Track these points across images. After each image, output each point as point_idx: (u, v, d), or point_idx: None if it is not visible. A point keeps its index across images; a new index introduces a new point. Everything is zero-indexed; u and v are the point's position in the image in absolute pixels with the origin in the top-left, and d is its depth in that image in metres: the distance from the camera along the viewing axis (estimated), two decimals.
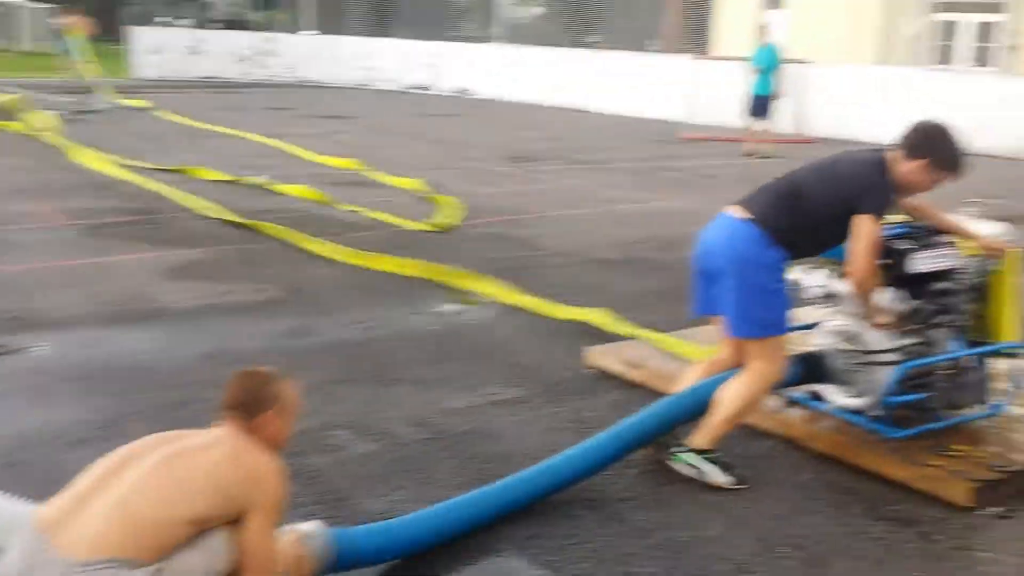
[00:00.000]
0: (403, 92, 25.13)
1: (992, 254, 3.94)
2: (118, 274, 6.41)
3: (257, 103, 20.23)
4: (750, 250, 3.59)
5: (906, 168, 3.70)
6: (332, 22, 32.23)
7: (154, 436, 2.58)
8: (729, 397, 3.62)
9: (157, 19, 39.88)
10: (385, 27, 29.92)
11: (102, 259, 6.80)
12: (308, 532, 2.76)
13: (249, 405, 2.59)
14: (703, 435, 3.63)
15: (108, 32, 50.98)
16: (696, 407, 3.66)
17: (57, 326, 5.27)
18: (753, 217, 3.64)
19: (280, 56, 26.80)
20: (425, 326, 5.53)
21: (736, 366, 3.77)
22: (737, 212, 3.70)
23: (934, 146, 3.74)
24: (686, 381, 3.86)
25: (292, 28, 32.22)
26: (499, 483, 3.29)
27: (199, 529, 2.37)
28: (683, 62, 19.10)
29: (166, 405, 4.19)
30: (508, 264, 6.99)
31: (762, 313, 3.60)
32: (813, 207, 3.66)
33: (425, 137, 15.38)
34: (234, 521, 2.43)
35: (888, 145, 3.83)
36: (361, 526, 2.99)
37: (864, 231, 3.59)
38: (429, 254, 7.19)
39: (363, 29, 31.72)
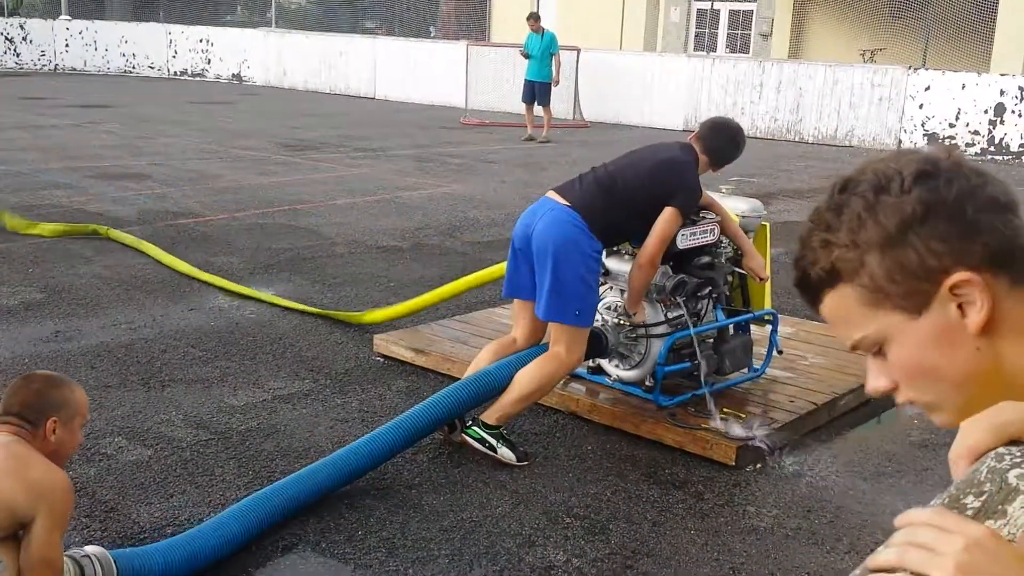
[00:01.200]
0: (171, 79, 23.96)
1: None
2: None
3: (9, 93, 18.67)
4: (573, 236, 3.68)
5: (700, 162, 3.93)
6: (89, 7, 30.17)
7: None
8: (526, 379, 3.69)
9: None
10: (149, 11, 28.29)
11: None
12: (91, 555, 2.57)
13: (30, 412, 2.42)
14: (494, 412, 3.69)
15: None
16: (490, 389, 3.71)
17: None
18: (574, 205, 3.73)
19: (32, 43, 24.87)
20: (203, 323, 5.30)
21: (528, 346, 3.88)
22: (559, 199, 3.78)
23: (727, 144, 4.04)
24: (479, 363, 3.90)
25: (45, 13, 29.91)
26: (282, 480, 3.20)
27: None
28: (461, 48, 19.25)
29: None
30: (288, 255, 6.82)
31: (576, 301, 3.69)
32: (628, 198, 3.79)
33: (196, 126, 14.72)
34: (14, 536, 2.27)
35: (687, 139, 4.04)
36: (145, 546, 2.82)
37: (669, 223, 3.77)
38: (202, 248, 6.91)
39: (125, 14, 29.92)
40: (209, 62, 24.16)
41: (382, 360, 4.77)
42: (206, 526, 2.94)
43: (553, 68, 14.65)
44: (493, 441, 3.67)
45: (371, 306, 5.64)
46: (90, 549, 2.59)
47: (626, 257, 4.07)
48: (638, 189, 3.82)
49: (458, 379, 3.93)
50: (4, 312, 5.33)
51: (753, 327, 4.47)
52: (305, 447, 3.74)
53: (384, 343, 4.84)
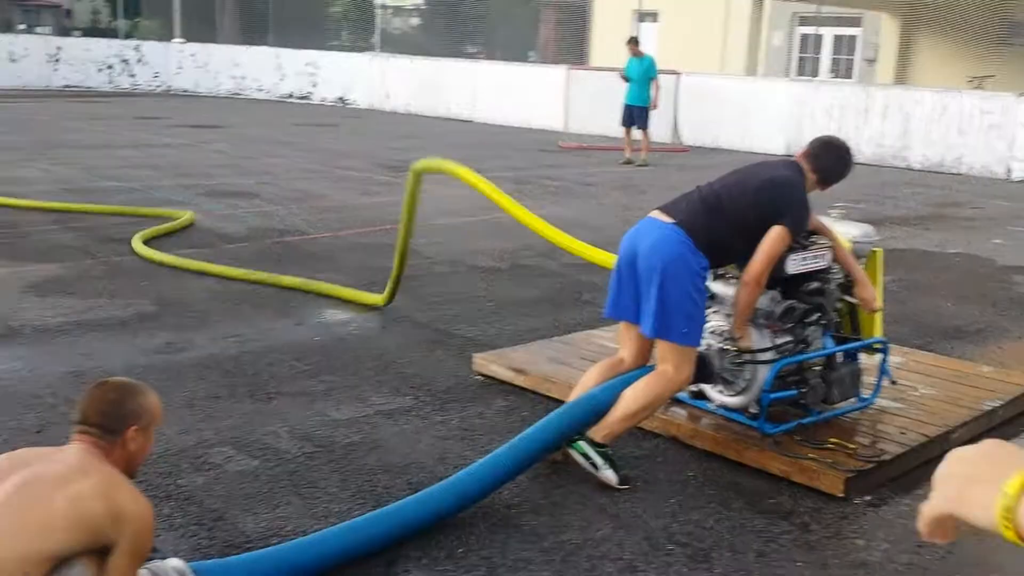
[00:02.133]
0: (279, 101, 24.68)
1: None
2: None
3: (124, 113, 19.50)
4: (681, 254, 3.64)
5: (808, 180, 3.87)
6: (202, 30, 31.34)
7: (5, 457, 2.34)
8: (632, 397, 3.65)
9: (18, 26, 38.05)
10: (258, 35, 29.24)
11: None
12: (172, 569, 2.52)
13: (109, 422, 2.37)
14: (601, 430, 3.66)
15: None
16: (600, 413, 3.68)
17: None
18: (680, 222, 3.69)
19: (148, 65, 25.94)
20: (308, 338, 5.40)
21: (635, 367, 3.84)
22: (664, 217, 3.75)
23: (836, 162, 3.97)
24: (586, 383, 3.87)
25: (160, 36, 31.19)
26: (396, 504, 3.20)
27: (56, 564, 2.16)
28: (560, 72, 19.34)
29: (25, 428, 3.96)
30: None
31: (684, 320, 3.65)
32: (734, 217, 3.74)
33: (301, 146, 15.10)
34: (95, 552, 2.22)
35: (794, 157, 3.98)
36: (232, 556, 2.86)
37: (777, 242, 3.70)
38: (307, 265, 7.06)
39: (235, 37, 30.98)
40: (315, 85, 24.79)
41: (481, 379, 4.78)
42: (299, 542, 2.96)
43: (652, 92, 14.58)
44: (598, 459, 3.63)
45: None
46: (171, 563, 2.54)
47: (732, 281, 4.00)
48: (745, 207, 3.76)
49: (557, 399, 3.90)
50: (118, 323, 5.52)
51: (863, 356, 4.33)
52: (406, 463, 3.76)
53: (483, 362, 4.85)
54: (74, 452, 2.35)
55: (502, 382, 4.71)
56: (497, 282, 6.89)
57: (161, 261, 6.84)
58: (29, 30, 39.18)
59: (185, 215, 8.30)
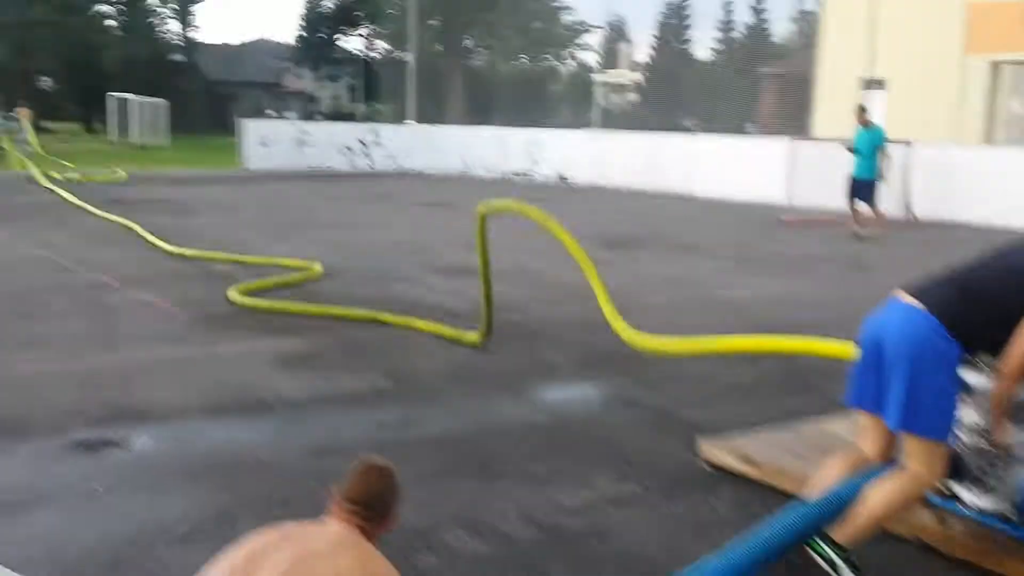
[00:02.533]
0: (502, 179, 25.53)
1: None
2: (223, 364, 6.51)
3: (362, 192, 20.79)
4: (931, 342, 3.41)
5: None
6: (432, 112, 33.14)
7: (274, 531, 2.50)
8: (878, 497, 3.42)
9: (267, 112, 41.59)
10: (484, 116, 30.57)
11: (208, 349, 6.93)
12: None
13: (376, 505, 2.54)
14: (843, 531, 3.44)
15: (221, 126, 53.50)
16: (841, 512, 3.47)
17: (162, 418, 5.31)
18: (930, 307, 3.48)
19: (383, 146, 27.60)
20: (531, 416, 5.46)
21: (879, 463, 3.60)
22: (911, 300, 3.54)
23: None
24: (824, 478, 3.67)
25: (394, 119, 33.21)
26: None
27: None
28: (782, 144, 18.94)
29: (273, 499, 4.17)
30: (610, 351, 6.90)
31: (934, 413, 3.41)
32: (989, 303, 3.48)
33: (524, 222, 15.45)
34: None
35: None
36: None
37: None
38: (527, 340, 7.17)
39: (462, 118, 32.50)
40: (536, 163, 25.50)
41: (708, 466, 4.64)
42: None
43: (881, 164, 13.98)
44: (839, 562, 3.41)
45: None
46: None
47: (987, 371, 3.69)
48: (1002, 292, 3.47)
49: (790, 493, 3.71)
50: (354, 397, 5.79)
51: None
52: (636, 556, 3.68)
53: (710, 450, 4.71)
54: (337, 529, 2.50)
55: (730, 471, 4.55)
56: (721, 361, 6.72)
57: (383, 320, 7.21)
58: (279, 116, 42.87)
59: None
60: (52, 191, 18.23)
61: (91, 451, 4.76)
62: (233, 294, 8.38)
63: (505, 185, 23.82)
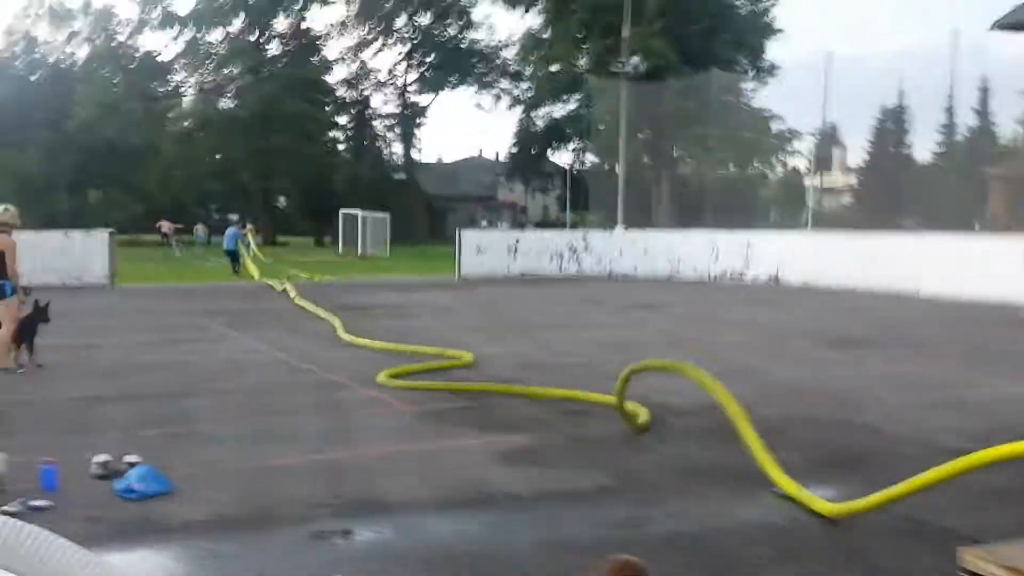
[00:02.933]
0: (712, 281, 25.21)
1: None
2: (450, 458, 6.61)
3: (572, 295, 21.07)
4: None
5: None
6: (640, 219, 33.42)
7: None
8: None
9: (482, 223, 43.23)
10: (693, 220, 30.52)
11: (434, 443, 7.08)
12: None
13: None
14: None
15: (438, 236, 56.08)
16: None
17: (396, 510, 5.42)
18: None
19: (592, 251, 27.99)
20: (766, 516, 5.19)
21: None
22: None
23: None
24: None
25: (602, 226, 33.73)
26: None
27: None
28: (1018, 242, 17.72)
29: None
30: (848, 453, 6.51)
31: None
32: None
33: (737, 324, 15.16)
34: None
35: None
36: None
37: None
38: (761, 437, 6.88)
39: (670, 222, 32.54)
40: (748, 264, 25.04)
41: None
42: None
43: None
44: None
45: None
46: None
47: None
48: None
49: None
50: (578, 493, 5.72)
51: None
52: None
53: (975, 560, 4.28)
54: None
55: None
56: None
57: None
58: (491, 225, 44.50)
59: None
60: (287, 297, 19.56)
61: (331, 541, 4.92)
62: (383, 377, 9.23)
63: (714, 287, 23.48)
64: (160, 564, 4.63)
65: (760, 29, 46.84)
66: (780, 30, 47.44)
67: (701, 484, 5.86)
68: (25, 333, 10.32)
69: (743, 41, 45.30)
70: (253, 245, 35.86)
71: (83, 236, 23.65)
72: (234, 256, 30.40)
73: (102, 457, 6.02)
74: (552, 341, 12.97)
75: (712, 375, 6.96)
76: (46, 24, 71.48)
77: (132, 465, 5.83)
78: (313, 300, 17.98)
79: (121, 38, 65.59)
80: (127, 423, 7.59)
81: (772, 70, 47.40)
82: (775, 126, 47.02)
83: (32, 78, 70.88)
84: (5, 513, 4.90)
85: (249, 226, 38.90)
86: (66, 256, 22.96)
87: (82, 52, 70.84)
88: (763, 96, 48.03)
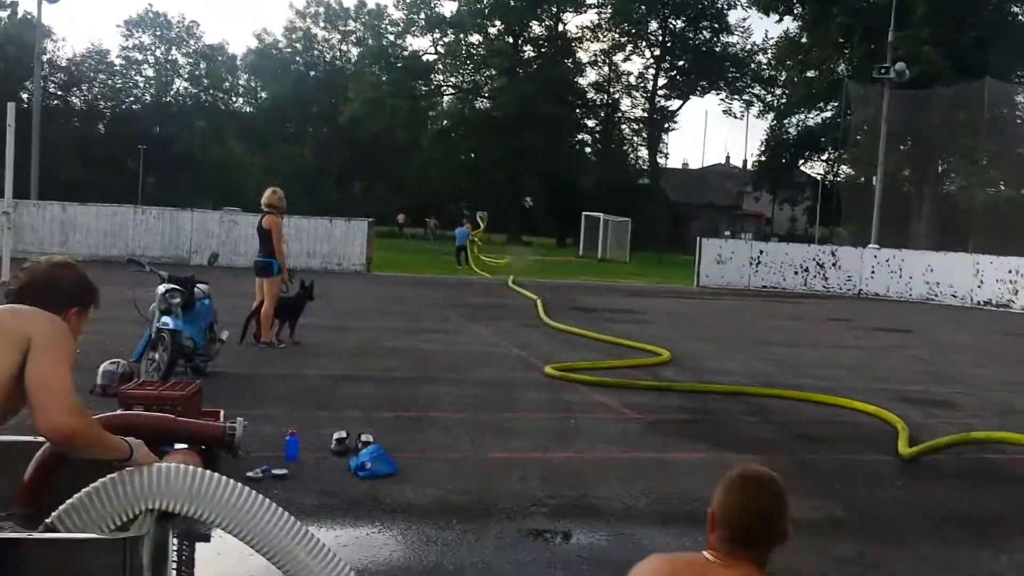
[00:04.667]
0: (974, 308, 23.34)
1: None
2: (671, 471, 6.46)
3: (817, 313, 20.15)
4: None
5: None
6: (897, 237, 31.47)
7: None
8: None
9: (724, 232, 42.40)
10: (955, 241, 28.39)
11: (658, 454, 6.94)
12: None
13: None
14: None
15: (678, 244, 55.60)
16: None
17: (612, 517, 5.35)
18: None
19: (840, 268, 26.67)
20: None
21: None
22: None
23: None
24: None
25: (853, 242, 32.08)
26: None
27: None
28: None
29: None
30: None
31: None
32: None
33: (1004, 357, 13.91)
34: None
35: None
36: None
37: None
38: (1007, 486, 6.26)
39: (929, 242, 30.45)
40: (1016, 292, 22.99)
41: None
42: None
43: None
44: None
45: None
46: None
47: None
48: None
49: None
50: (807, 524, 5.41)
51: None
52: None
53: None
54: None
55: None
56: None
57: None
58: (734, 236, 43.49)
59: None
60: (519, 293, 19.96)
61: (549, 541, 4.93)
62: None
63: (977, 315, 21.69)
64: (384, 543, 4.81)
65: None
66: None
67: (946, 530, 5.39)
68: (290, 311, 11.13)
69: (1021, 51, 41.55)
70: (475, 246, 38.25)
71: (344, 224, 25.25)
72: (461, 252, 32.02)
73: (341, 434, 6.36)
74: (789, 359, 12.43)
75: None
76: (322, 23, 77.11)
77: (366, 444, 6.11)
78: (553, 301, 18.22)
79: (391, 38, 69.56)
80: (367, 404, 8.00)
81: None
82: None
83: (311, 74, 76.68)
84: (248, 479, 5.28)
85: (466, 223, 41.13)
86: (328, 242, 24.64)
87: (355, 50, 75.85)
88: None
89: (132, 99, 76.65)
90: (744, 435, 7.71)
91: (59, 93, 69.48)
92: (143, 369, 8.19)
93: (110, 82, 75.12)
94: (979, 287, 23.93)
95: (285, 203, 11.33)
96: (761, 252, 27.70)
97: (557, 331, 14.09)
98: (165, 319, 8.28)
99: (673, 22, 66.47)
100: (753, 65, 65.94)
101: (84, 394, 6.40)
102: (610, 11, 66.23)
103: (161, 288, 8.53)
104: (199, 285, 9.05)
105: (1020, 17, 43.31)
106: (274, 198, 11.13)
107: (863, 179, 41.97)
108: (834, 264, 26.84)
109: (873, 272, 26.21)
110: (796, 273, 26.95)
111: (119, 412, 4.54)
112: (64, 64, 70.98)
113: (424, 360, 10.67)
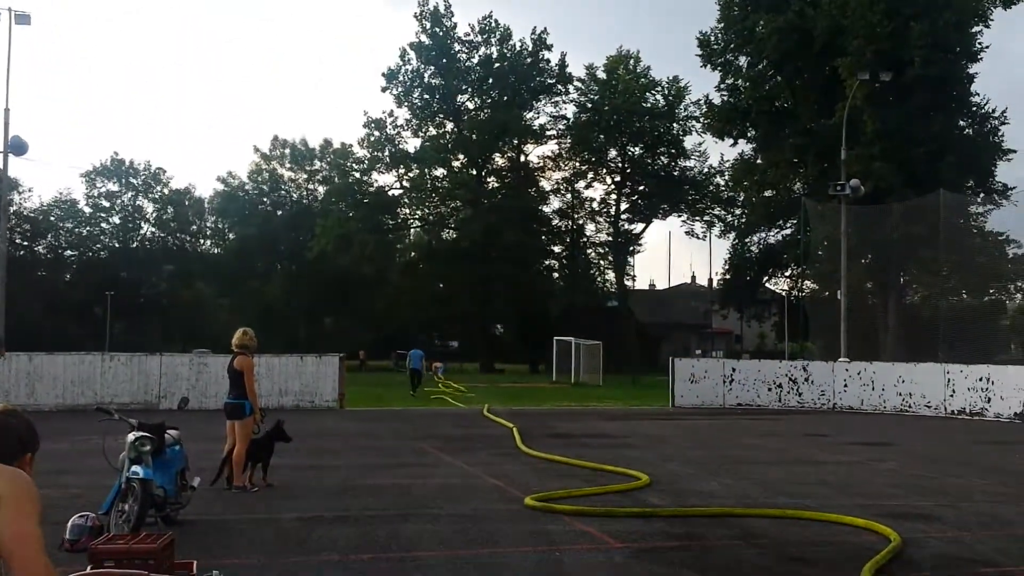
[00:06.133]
0: (948, 417, 23.42)
1: None
2: None
3: (792, 429, 20.10)
4: None
5: None
6: (865, 349, 31.80)
7: None
8: None
9: (695, 352, 42.63)
10: (922, 352, 28.70)
11: None
12: None
13: None
14: None
15: (650, 364, 55.76)
16: None
17: None
18: None
19: (813, 383, 26.78)
20: None
21: None
22: None
23: None
24: None
25: (823, 356, 32.35)
26: None
27: None
28: None
29: None
30: None
31: None
32: None
33: (979, 466, 13.87)
34: None
35: None
36: None
37: None
38: None
39: (898, 353, 30.75)
40: (988, 401, 23.14)
41: None
42: None
43: None
44: None
45: None
46: None
47: None
48: None
49: None
50: None
51: None
52: None
53: None
54: None
55: None
56: None
57: None
58: (705, 354, 43.71)
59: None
60: (496, 422, 19.78)
61: None
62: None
63: (951, 424, 21.76)
64: None
65: (989, 150, 44.44)
66: (1013, 151, 44.81)
67: None
68: (262, 453, 10.92)
69: (971, 163, 43.08)
70: (439, 376, 41.32)
71: (316, 360, 25.11)
72: (416, 375, 32.06)
73: None
74: (770, 478, 12.32)
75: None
76: (288, 163, 78.57)
77: None
78: (527, 428, 18.06)
79: (356, 175, 70.92)
80: (345, 546, 7.78)
81: (1005, 192, 44.73)
82: (1012, 251, 44.10)
83: (278, 213, 77.65)
84: None
85: (435, 363, 44.47)
86: (300, 379, 24.40)
87: (321, 188, 77.11)
88: (996, 219, 45.35)
89: (99, 246, 76.97)
90: (733, 560, 7.55)
91: (24, 243, 69.63)
92: (112, 521, 7.93)
93: (76, 230, 75.53)
94: (951, 396, 24.06)
95: (256, 342, 11.29)
96: (734, 370, 27.80)
97: (535, 459, 13.93)
98: (135, 468, 8.08)
99: (631, 149, 68.49)
100: (712, 187, 67.74)
101: (52, 550, 6.17)
102: (570, 141, 68.19)
103: (131, 436, 8.35)
104: (169, 431, 8.88)
105: (967, 131, 45.04)
106: (245, 338, 11.08)
107: (827, 293, 42.69)
108: (806, 379, 26.96)
109: (846, 385, 26.34)
110: (770, 389, 27.01)
111: (89, 571, 4.37)
112: (30, 215, 71.41)
113: (401, 496, 10.45)
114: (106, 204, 78.49)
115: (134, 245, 78.22)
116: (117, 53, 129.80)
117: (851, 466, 13.91)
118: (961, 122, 44.95)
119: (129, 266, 74.60)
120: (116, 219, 79.00)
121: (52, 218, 73.52)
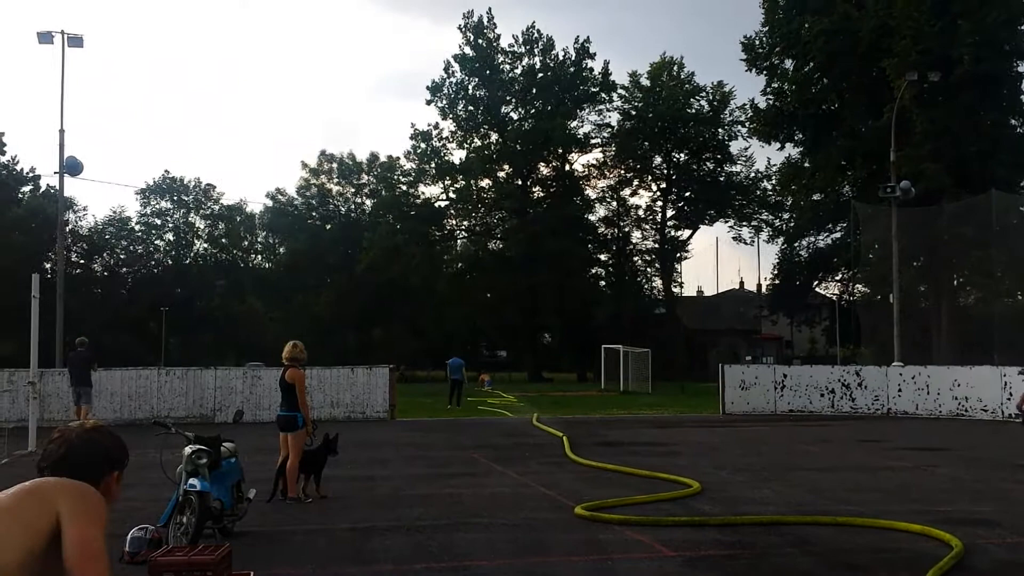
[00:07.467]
0: (1006, 421, 22.95)
1: None
2: None
3: (846, 435, 19.85)
4: None
5: None
6: (918, 351, 31.30)
7: None
8: None
9: (746, 358, 42.27)
10: (978, 355, 28.17)
11: None
12: None
13: None
14: None
15: (699, 371, 55.30)
16: None
17: None
18: None
19: (866, 388, 26.40)
20: None
21: None
22: None
23: None
24: None
25: (876, 360, 31.88)
26: None
27: None
28: None
29: None
30: None
31: None
32: None
33: None
34: None
35: None
36: None
37: None
38: None
39: (953, 356, 30.22)
40: None
41: None
42: None
43: None
44: None
45: None
46: None
47: None
48: None
49: None
50: None
51: None
52: None
53: None
54: None
55: None
56: None
57: None
58: (755, 360, 43.34)
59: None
60: (545, 431, 19.78)
61: None
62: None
63: (1007, 427, 21.32)
64: None
65: None
66: None
67: None
68: (315, 464, 11.08)
69: (1023, 162, 42.22)
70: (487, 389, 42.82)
71: (366, 372, 25.32)
72: (456, 386, 31.03)
73: None
74: (823, 485, 12.19)
75: None
76: (336, 178, 79.42)
77: None
78: (577, 437, 18.04)
79: (403, 187, 71.52)
80: (399, 556, 7.86)
81: None
82: None
83: (327, 227, 78.51)
84: None
85: (483, 375, 46.41)
86: (351, 390, 24.64)
87: (369, 202, 77.86)
88: None
89: (153, 263, 78.41)
90: (787, 568, 7.50)
91: (81, 262, 71.15)
92: (171, 533, 8.10)
93: (131, 248, 77.02)
94: (1008, 399, 23.58)
95: (306, 355, 11.45)
96: (785, 376, 27.50)
97: (585, 467, 13.92)
98: (192, 481, 8.25)
99: (677, 156, 68.16)
100: (759, 192, 67.12)
101: (112, 563, 6.34)
102: (614, 149, 68.07)
103: (188, 449, 8.53)
104: (225, 444, 9.05)
105: (1018, 130, 44.17)
106: (295, 351, 11.25)
107: (879, 297, 42.04)
108: (860, 384, 26.57)
109: (900, 390, 25.92)
110: (822, 395, 26.67)
111: None
112: (86, 233, 72.98)
113: (453, 506, 10.53)
114: (158, 222, 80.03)
115: (187, 261, 79.60)
116: (166, 71, 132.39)
117: (906, 472, 13.71)
118: (1012, 120, 44.08)
119: (183, 282, 75.88)
120: (169, 236, 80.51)
121: (107, 236, 75.06)
